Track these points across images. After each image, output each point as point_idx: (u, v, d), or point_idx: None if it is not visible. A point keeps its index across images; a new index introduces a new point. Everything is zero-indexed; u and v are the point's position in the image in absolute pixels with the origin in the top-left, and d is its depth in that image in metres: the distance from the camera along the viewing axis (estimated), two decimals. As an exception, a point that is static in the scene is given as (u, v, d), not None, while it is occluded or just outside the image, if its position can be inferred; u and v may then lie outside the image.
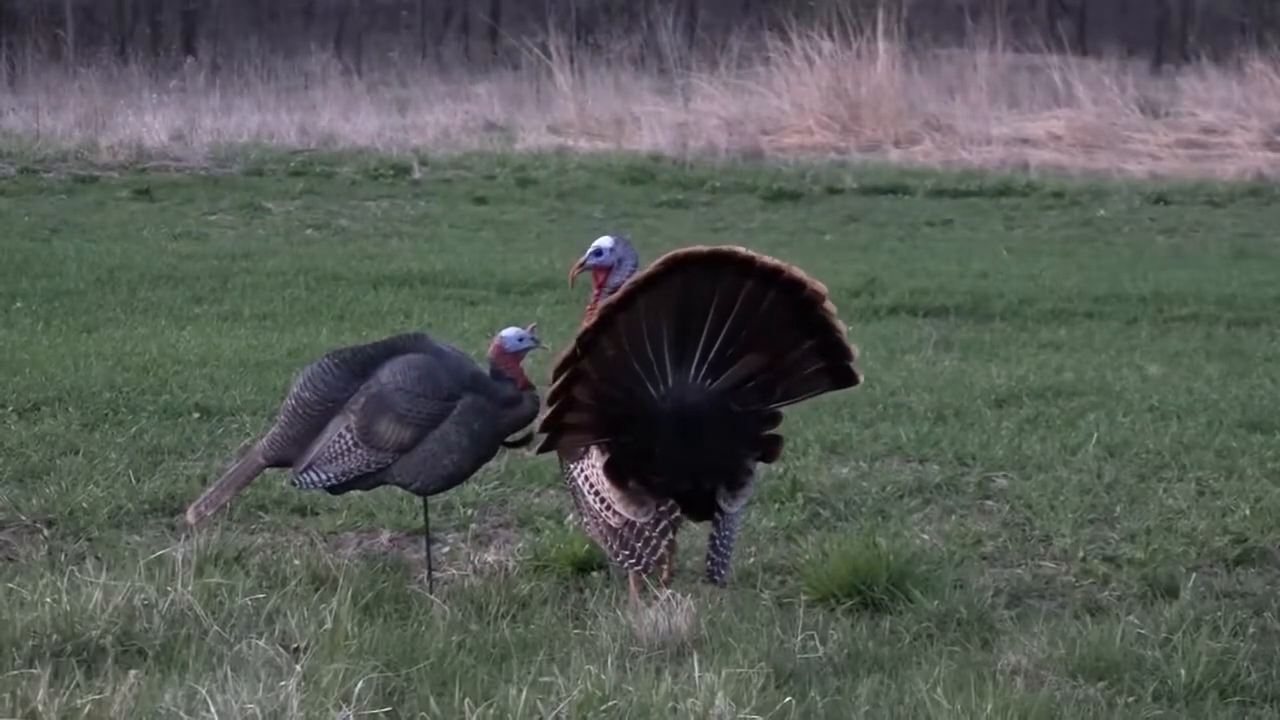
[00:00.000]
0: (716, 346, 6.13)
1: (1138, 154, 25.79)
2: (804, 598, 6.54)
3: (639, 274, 6.11)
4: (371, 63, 33.08)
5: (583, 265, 6.60)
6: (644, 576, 6.34)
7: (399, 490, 6.96)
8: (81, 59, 29.34)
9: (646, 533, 6.27)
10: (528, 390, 6.56)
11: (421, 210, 20.18)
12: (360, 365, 6.61)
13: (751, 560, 7.05)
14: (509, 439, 6.65)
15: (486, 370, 6.59)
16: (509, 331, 6.60)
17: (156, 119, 25.12)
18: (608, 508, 6.31)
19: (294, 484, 6.68)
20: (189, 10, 39.98)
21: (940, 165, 24.52)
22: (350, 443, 6.52)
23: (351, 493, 7.41)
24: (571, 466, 6.44)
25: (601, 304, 6.18)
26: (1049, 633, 6.09)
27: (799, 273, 6.12)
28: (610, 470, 6.28)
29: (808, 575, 6.66)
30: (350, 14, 41.63)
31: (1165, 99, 29.19)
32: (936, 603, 6.39)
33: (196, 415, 9.37)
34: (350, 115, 26.99)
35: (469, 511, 7.75)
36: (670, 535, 6.30)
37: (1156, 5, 41.31)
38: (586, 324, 6.14)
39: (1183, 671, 5.76)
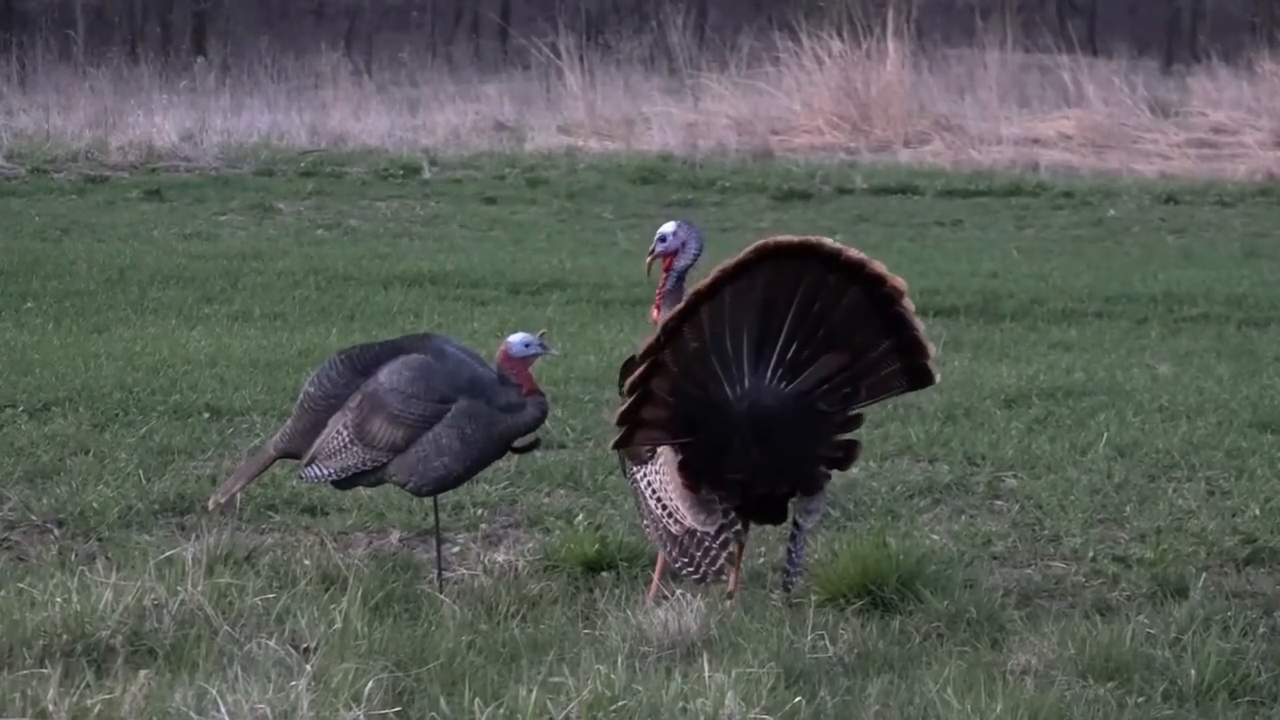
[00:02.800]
0: (795, 346, 6.04)
1: (1148, 154, 25.76)
2: (814, 597, 6.54)
3: (727, 261, 5.97)
4: (382, 63, 33.07)
5: (652, 254, 6.60)
6: (702, 585, 6.33)
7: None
8: (92, 59, 29.32)
9: (706, 543, 6.22)
10: (533, 396, 6.56)
11: (432, 210, 20.17)
12: (364, 364, 6.65)
13: (762, 560, 7.05)
14: (517, 444, 6.65)
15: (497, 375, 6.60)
16: (515, 337, 6.60)
17: (167, 119, 25.11)
18: (669, 515, 6.26)
19: (301, 478, 6.75)
20: (199, 10, 40.03)
21: (950, 165, 24.49)
22: (347, 440, 6.57)
23: (361, 493, 7.44)
24: (635, 469, 6.41)
25: (689, 291, 6.08)
26: (1059, 633, 6.08)
27: (880, 267, 6.02)
28: (684, 473, 6.20)
29: (818, 575, 6.66)
30: (360, 14, 41.67)
31: (1175, 99, 29.16)
32: (946, 603, 6.39)
33: (206, 415, 9.38)
34: (360, 115, 26.98)
35: (479, 511, 7.75)
36: (729, 548, 6.26)
37: (1167, 5, 41.29)
38: (670, 312, 6.04)
39: (1193, 671, 5.76)
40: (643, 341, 6.12)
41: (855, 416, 6.25)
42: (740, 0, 40.38)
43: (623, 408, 6.14)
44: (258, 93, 28.40)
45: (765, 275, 5.99)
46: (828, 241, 6.02)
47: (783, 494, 6.30)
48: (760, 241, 6.00)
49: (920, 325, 6.15)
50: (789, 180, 22.56)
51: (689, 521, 6.23)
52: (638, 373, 6.06)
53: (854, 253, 6.01)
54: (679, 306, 6.02)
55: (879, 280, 6.04)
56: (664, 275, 6.59)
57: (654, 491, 6.31)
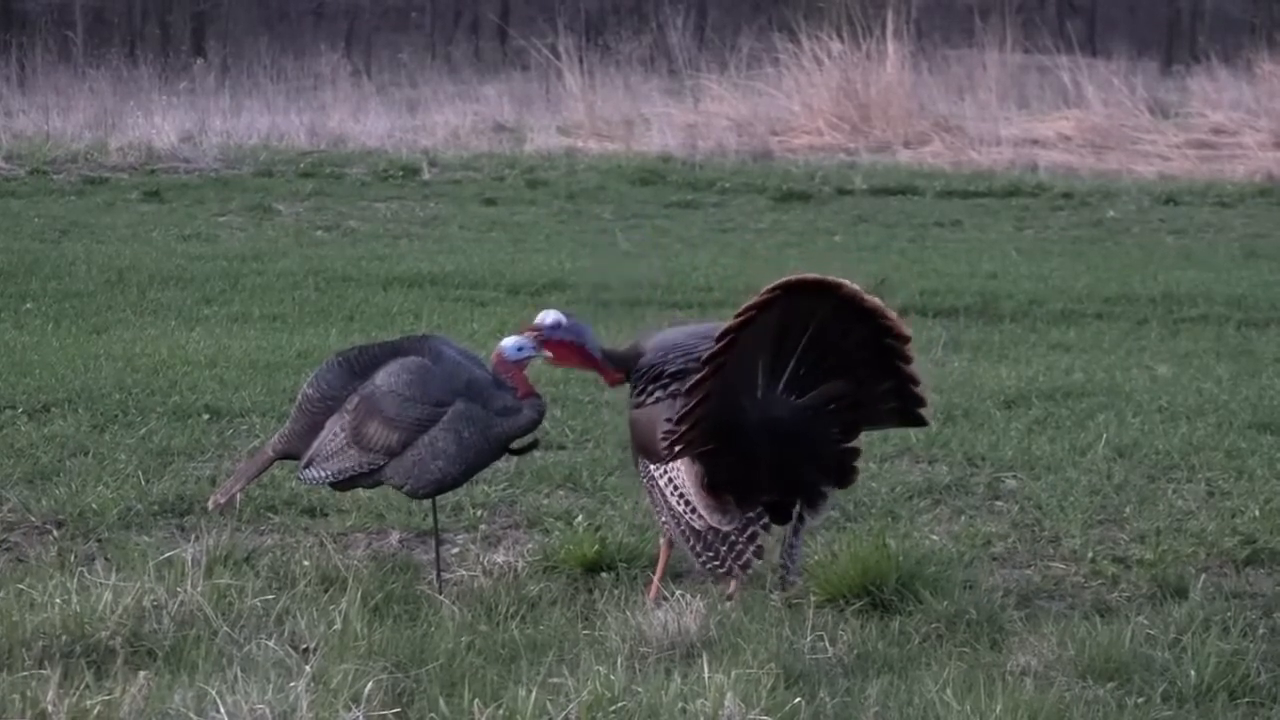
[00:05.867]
0: (806, 367, 6.18)
1: (1147, 155, 25.76)
2: (813, 598, 6.54)
3: (755, 297, 6.11)
4: (381, 64, 33.11)
5: (538, 330, 6.63)
6: (727, 580, 6.45)
7: (403, 491, 6.99)
8: (91, 60, 29.35)
9: (733, 538, 6.32)
10: (529, 399, 6.57)
11: (431, 211, 20.18)
12: (362, 365, 6.66)
13: (761, 561, 7.04)
14: (514, 446, 6.66)
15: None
16: (508, 341, 6.62)
17: (166, 120, 25.12)
18: (693, 511, 6.34)
19: (299, 479, 6.75)
20: (199, 11, 40.07)
21: (950, 166, 24.49)
22: (343, 442, 6.57)
23: (360, 494, 7.44)
24: (651, 466, 6.46)
25: (724, 327, 6.17)
26: (1058, 633, 6.09)
27: (892, 316, 6.21)
28: (703, 476, 6.30)
29: (817, 576, 6.67)
30: (360, 15, 41.70)
31: (1175, 99, 29.19)
32: (946, 603, 6.39)
33: (206, 416, 9.38)
34: (360, 116, 26.99)
35: (478, 512, 7.75)
36: (757, 542, 6.34)
37: (1166, 6, 41.33)
38: (714, 347, 6.14)
39: (1192, 672, 5.76)
40: (694, 377, 6.17)
41: (854, 449, 6.34)
42: (740, 1, 40.41)
43: (679, 431, 6.20)
44: (257, 94, 28.41)
45: (785, 304, 6.13)
46: (846, 283, 6.19)
47: (788, 502, 6.37)
48: (785, 278, 6.14)
49: (919, 376, 6.30)
50: (789, 181, 22.56)
51: (708, 520, 6.29)
52: (689, 404, 6.15)
53: (869, 299, 6.20)
54: (720, 343, 6.12)
55: (888, 330, 6.22)
56: (608, 382, 6.73)
57: (676, 488, 6.37)
